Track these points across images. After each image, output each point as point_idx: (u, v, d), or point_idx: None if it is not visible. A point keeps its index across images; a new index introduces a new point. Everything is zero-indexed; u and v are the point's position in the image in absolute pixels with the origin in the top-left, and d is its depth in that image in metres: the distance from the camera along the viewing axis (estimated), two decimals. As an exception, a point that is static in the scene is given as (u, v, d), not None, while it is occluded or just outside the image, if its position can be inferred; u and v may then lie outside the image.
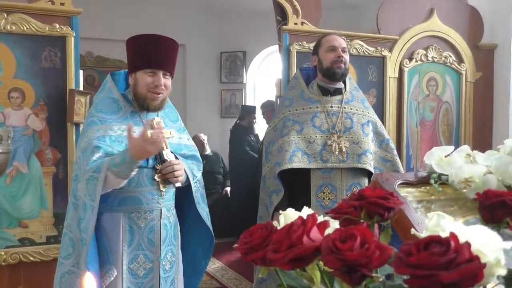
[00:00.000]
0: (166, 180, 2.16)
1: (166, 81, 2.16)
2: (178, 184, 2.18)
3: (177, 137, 2.31)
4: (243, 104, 7.47)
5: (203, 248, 2.41)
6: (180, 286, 2.30)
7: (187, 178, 2.25)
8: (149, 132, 2.15)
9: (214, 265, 5.33)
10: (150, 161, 2.13)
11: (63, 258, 2.12)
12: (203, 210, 2.33)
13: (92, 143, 2.05)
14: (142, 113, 2.21)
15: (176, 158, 2.22)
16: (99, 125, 2.11)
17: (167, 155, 2.15)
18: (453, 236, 0.59)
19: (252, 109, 6.65)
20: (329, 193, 2.64)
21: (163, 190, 2.16)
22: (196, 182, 2.30)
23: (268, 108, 6.20)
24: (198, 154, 2.40)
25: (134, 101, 2.20)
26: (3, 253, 2.90)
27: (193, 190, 2.27)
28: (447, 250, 0.57)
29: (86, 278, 0.64)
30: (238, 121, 6.58)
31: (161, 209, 2.17)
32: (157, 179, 2.15)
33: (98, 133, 2.08)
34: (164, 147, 2.16)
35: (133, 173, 2.04)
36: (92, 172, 2.00)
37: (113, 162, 2.00)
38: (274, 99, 6.17)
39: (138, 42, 2.17)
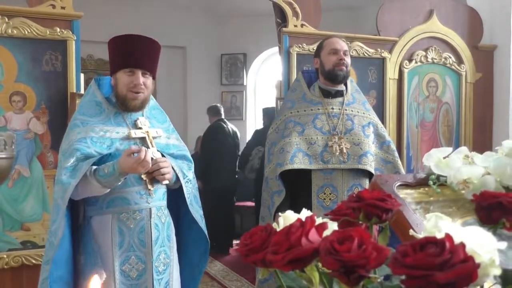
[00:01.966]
0: (154, 178, 2.14)
1: (145, 80, 2.15)
2: (166, 182, 2.16)
3: (165, 137, 2.30)
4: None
5: (199, 251, 2.39)
6: None
7: (177, 178, 2.23)
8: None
9: (215, 267, 5.34)
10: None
11: (44, 263, 2.10)
12: (197, 212, 2.31)
13: (72, 145, 2.06)
14: (125, 114, 2.20)
15: (163, 157, 2.21)
16: (81, 127, 2.11)
17: (153, 153, 2.14)
18: (448, 237, 0.60)
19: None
20: (330, 194, 2.66)
21: (151, 189, 2.15)
22: (187, 182, 2.27)
23: (210, 113, 6.21)
24: (188, 154, 2.38)
25: (117, 103, 2.20)
26: (5, 256, 2.91)
27: (184, 190, 2.25)
28: (442, 251, 0.58)
29: (92, 281, 0.65)
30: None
31: (150, 209, 2.15)
32: (144, 178, 2.14)
33: (79, 135, 2.08)
34: (150, 145, 2.16)
35: (119, 183, 2.04)
36: (67, 176, 2.00)
37: (102, 172, 2.01)
38: (218, 105, 6.31)
39: (117, 42, 2.17)
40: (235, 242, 5.99)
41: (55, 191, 2.08)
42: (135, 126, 2.20)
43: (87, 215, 2.15)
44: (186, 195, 2.25)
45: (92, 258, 2.08)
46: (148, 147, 2.13)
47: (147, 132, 2.19)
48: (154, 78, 2.22)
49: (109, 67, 2.22)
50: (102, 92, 2.24)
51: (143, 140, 2.19)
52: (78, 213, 2.18)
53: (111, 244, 2.10)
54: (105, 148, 2.09)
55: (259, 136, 6.17)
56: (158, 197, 2.19)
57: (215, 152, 5.81)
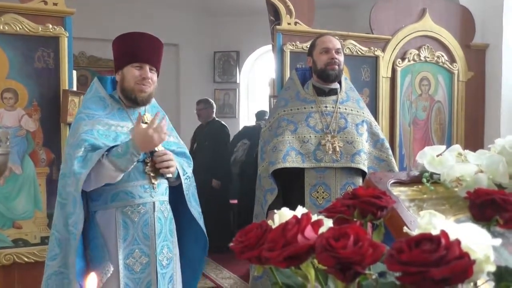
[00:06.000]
0: (157, 172, 2.19)
1: (152, 75, 2.23)
2: (170, 175, 2.21)
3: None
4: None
5: (198, 248, 2.43)
6: (178, 284, 2.30)
7: (178, 174, 2.27)
8: (143, 125, 2.18)
9: (208, 266, 5.33)
10: (141, 155, 2.16)
11: (49, 259, 2.13)
12: (195, 209, 2.35)
13: (80, 136, 2.08)
14: (129, 110, 2.25)
15: None
16: (86, 120, 2.14)
17: (158, 147, 2.19)
18: (443, 233, 0.60)
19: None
20: (323, 192, 2.66)
21: (155, 183, 2.19)
22: (186, 178, 2.32)
23: (206, 105, 6.14)
24: (187, 152, 2.43)
25: (121, 99, 2.25)
26: (-4, 254, 2.89)
27: (183, 186, 2.29)
28: (438, 247, 0.58)
29: (89, 278, 0.64)
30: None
31: (154, 203, 2.19)
32: (148, 172, 2.18)
33: (86, 127, 2.11)
34: None
35: (131, 166, 2.07)
36: (78, 167, 2.02)
37: (115, 152, 2.04)
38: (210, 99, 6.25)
39: (126, 39, 2.24)
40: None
41: (67, 184, 2.08)
42: (141, 120, 2.23)
43: (91, 210, 2.16)
44: (184, 191, 2.30)
45: (100, 252, 2.10)
46: (164, 139, 2.17)
47: None
48: (158, 74, 2.29)
49: (114, 63, 2.26)
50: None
51: None
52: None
53: (115, 238, 2.12)
54: (111, 141, 2.12)
55: (246, 130, 6.22)
56: (161, 191, 2.23)
57: (227, 149, 5.96)
